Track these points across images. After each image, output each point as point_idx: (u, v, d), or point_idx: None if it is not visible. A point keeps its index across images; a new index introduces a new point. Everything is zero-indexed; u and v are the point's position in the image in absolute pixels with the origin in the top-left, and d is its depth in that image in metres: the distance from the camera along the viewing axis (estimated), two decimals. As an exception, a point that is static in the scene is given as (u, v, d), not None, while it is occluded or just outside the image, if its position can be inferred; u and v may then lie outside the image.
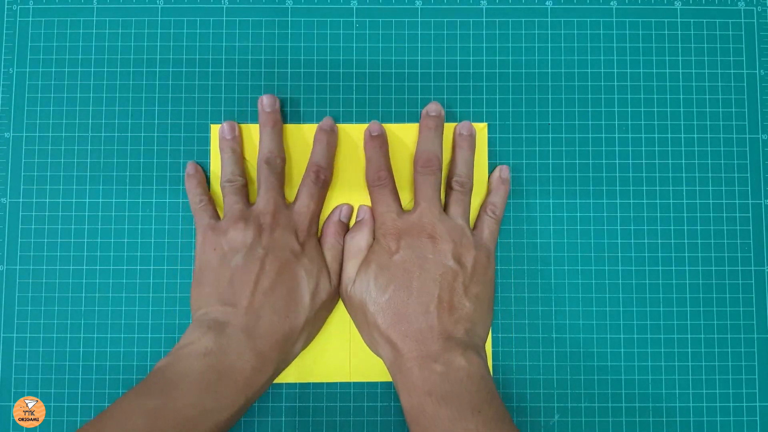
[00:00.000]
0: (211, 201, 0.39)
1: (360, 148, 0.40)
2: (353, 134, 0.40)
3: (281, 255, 0.35)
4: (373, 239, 0.37)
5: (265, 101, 0.39)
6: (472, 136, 0.39)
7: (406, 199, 0.39)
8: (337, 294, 0.38)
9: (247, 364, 0.33)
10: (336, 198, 0.40)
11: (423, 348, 0.33)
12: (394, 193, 0.38)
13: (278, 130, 0.39)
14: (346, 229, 0.39)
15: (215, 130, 0.40)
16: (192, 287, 0.36)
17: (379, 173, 0.38)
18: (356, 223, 0.39)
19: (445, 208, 0.38)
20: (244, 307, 0.34)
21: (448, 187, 0.38)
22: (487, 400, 0.32)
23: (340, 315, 0.39)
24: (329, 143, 0.39)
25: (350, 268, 0.37)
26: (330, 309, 0.38)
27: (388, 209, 0.37)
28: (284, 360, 0.35)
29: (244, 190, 0.38)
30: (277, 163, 0.38)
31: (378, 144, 0.39)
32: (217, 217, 0.38)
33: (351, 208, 0.39)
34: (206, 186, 0.40)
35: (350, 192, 0.40)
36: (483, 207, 0.39)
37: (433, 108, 0.39)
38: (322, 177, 0.38)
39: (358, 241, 0.37)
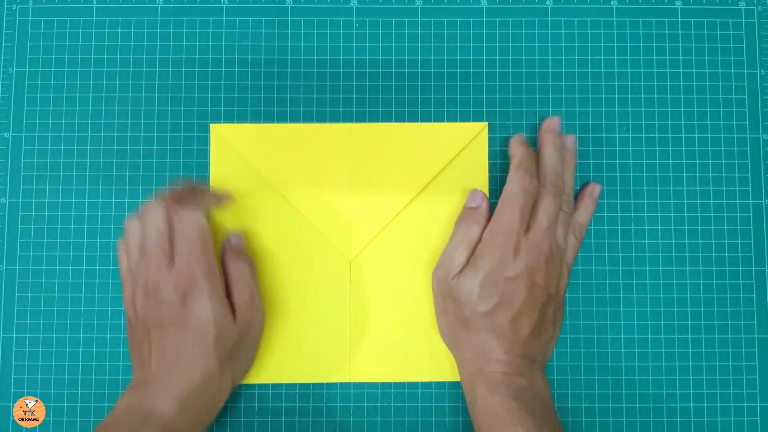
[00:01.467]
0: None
1: (349, 148, 0.40)
2: (337, 134, 0.40)
3: (167, 314, 0.34)
4: (483, 235, 0.36)
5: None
6: (575, 152, 0.39)
7: (400, 203, 0.39)
8: (249, 323, 0.36)
9: (163, 413, 0.33)
10: (330, 195, 0.40)
11: (509, 359, 0.34)
12: (529, 208, 0.36)
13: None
14: (243, 248, 0.38)
15: (215, 129, 0.40)
16: None
17: (533, 181, 0.36)
18: (470, 210, 0.38)
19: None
20: (152, 369, 0.34)
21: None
22: (556, 421, 0.34)
23: (340, 315, 0.39)
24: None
25: (458, 257, 0.36)
26: (250, 339, 0.37)
27: (518, 221, 0.35)
28: (211, 401, 0.35)
29: (141, 245, 0.35)
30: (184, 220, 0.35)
31: (531, 151, 0.37)
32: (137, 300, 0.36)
33: (239, 238, 0.38)
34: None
35: (339, 189, 0.40)
36: (570, 226, 0.38)
37: (557, 122, 0.39)
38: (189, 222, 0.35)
39: (473, 231, 0.36)
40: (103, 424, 0.33)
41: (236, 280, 0.36)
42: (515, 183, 0.36)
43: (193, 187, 0.38)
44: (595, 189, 0.39)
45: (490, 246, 0.35)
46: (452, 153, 0.40)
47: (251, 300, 0.36)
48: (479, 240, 0.36)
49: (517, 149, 0.37)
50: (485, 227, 0.37)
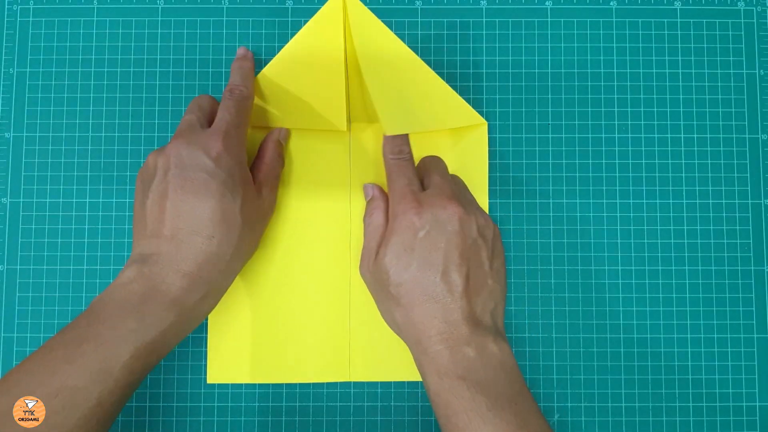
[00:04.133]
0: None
1: (344, 148, 0.40)
2: (337, 133, 0.40)
3: (192, 175, 0.33)
4: (388, 216, 0.36)
5: (239, 52, 0.40)
6: None
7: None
8: (270, 209, 0.38)
9: (172, 285, 0.32)
10: (330, 193, 0.40)
11: (452, 330, 0.31)
12: (414, 168, 0.37)
13: (248, 67, 0.39)
14: (282, 149, 0.39)
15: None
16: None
17: (402, 147, 0.37)
18: (369, 201, 0.38)
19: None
20: (165, 235, 0.32)
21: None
22: (520, 392, 0.31)
23: (340, 314, 0.39)
24: (242, 67, 0.38)
25: (373, 245, 0.35)
26: (264, 223, 0.38)
27: (409, 182, 0.35)
28: (220, 278, 0.34)
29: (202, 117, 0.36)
30: (239, 91, 0.37)
31: None
32: (175, 142, 0.35)
33: (288, 132, 0.40)
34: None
35: (340, 188, 0.40)
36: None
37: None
38: (237, 92, 0.37)
39: (376, 218, 0.36)
40: (100, 298, 0.32)
41: (266, 165, 0.38)
42: (391, 154, 0.37)
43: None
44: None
45: (393, 220, 0.34)
46: (452, 152, 0.40)
47: (272, 189, 0.37)
48: (386, 223, 0.36)
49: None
50: (386, 210, 0.36)
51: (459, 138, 0.40)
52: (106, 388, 0.29)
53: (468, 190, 0.39)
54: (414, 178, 0.36)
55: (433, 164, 0.38)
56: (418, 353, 0.33)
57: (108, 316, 0.31)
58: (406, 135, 0.38)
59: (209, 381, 0.39)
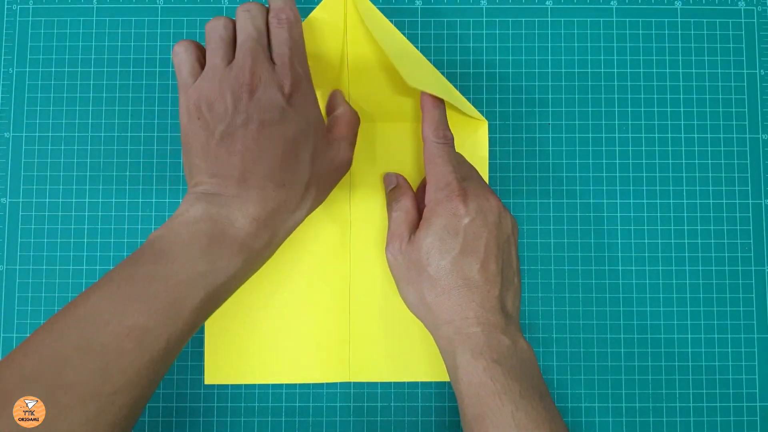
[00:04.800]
0: (198, 50, 0.34)
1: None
2: None
3: (266, 117, 0.31)
4: (420, 202, 0.36)
5: None
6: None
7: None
8: (344, 164, 0.36)
9: (240, 230, 0.31)
10: (327, 197, 0.40)
11: (489, 316, 0.32)
12: (457, 154, 0.36)
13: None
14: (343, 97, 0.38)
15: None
16: (183, 155, 0.34)
17: (445, 131, 0.36)
18: (394, 189, 0.38)
19: None
20: (235, 178, 0.31)
21: None
22: (546, 390, 0.32)
23: (340, 314, 0.39)
24: None
25: (404, 228, 0.35)
26: (336, 178, 0.36)
27: (454, 169, 0.34)
28: (284, 226, 0.33)
29: (230, 43, 0.34)
30: (254, 8, 0.34)
31: (441, 102, 0.37)
32: (198, 71, 0.33)
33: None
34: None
35: (340, 187, 0.40)
36: None
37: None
38: (284, 16, 0.34)
39: (405, 202, 0.36)
40: (161, 234, 0.30)
41: (343, 117, 0.36)
42: (435, 138, 0.35)
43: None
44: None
45: (437, 204, 0.34)
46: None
47: (350, 144, 0.36)
48: (415, 209, 0.36)
49: (428, 104, 0.36)
50: (413, 197, 0.37)
51: (459, 138, 0.40)
52: (175, 330, 0.29)
53: None
54: (458, 166, 0.35)
55: (463, 158, 0.37)
56: (451, 332, 0.32)
57: (176, 256, 0.30)
58: (447, 120, 0.37)
59: (206, 382, 0.39)
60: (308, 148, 0.32)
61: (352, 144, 0.36)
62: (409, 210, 0.36)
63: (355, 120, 0.37)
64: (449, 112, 0.37)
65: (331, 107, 0.37)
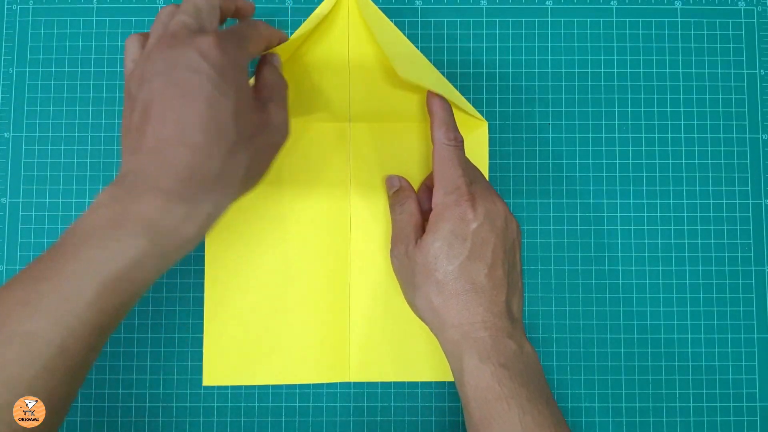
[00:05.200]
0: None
1: (344, 147, 0.40)
2: (338, 133, 0.40)
3: (179, 75, 0.28)
4: (425, 205, 0.36)
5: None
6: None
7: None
8: (279, 129, 0.32)
9: (148, 206, 0.27)
10: (330, 193, 0.40)
11: (496, 321, 0.32)
12: (466, 157, 0.36)
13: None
14: (279, 70, 0.34)
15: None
16: None
17: (456, 133, 0.35)
18: (397, 191, 0.38)
19: None
20: (148, 147, 0.28)
21: None
22: (550, 392, 0.32)
23: (340, 314, 0.39)
24: None
25: (409, 231, 0.35)
26: (271, 144, 0.32)
27: (463, 173, 0.34)
28: (208, 198, 0.29)
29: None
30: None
31: (448, 104, 0.36)
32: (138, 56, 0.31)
33: (280, 58, 0.35)
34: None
35: (340, 188, 0.40)
36: None
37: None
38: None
39: (409, 205, 0.36)
40: (70, 228, 0.28)
41: (267, 81, 0.33)
42: (445, 140, 0.35)
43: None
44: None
45: (445, 208, 0.34)
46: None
47: (280, 106, 0.32)
48: (419, 212, 0.36)
49: (437, 106, 0.36)
50: (417, 200, 0.37)
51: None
52: (70, 332, 0.26)
53: None
54: (467, 169, 0.35)
55: (469, 160, 0.37)
56: (458, 336, 0.32)
57: (70, 248, 0.27)
58: (455, 122, 0.36)
59: (205, 384, 0.39)
60: (228, 106, 0.28)
61: (283, 107, 0.32)
62: (414, 213, 0.36)
63: (281, 82, 0.33)
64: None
65: (257, 70, 0.34)
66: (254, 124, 0.30)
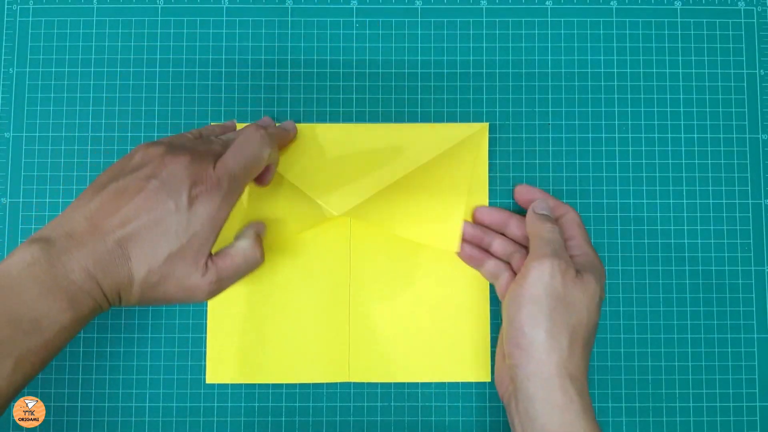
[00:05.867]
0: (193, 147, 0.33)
1: (349, 148, 0.40)
2: (338, 134, 0.40)
3: (164, 197, 0.29)
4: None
5: (287, 124, 0.39)
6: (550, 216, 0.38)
7: (400, 204, 0.39)
8: (197, 289, 0.31)
9: (75, 284, 0.28)
10: (329, 195, 0.40)
11: (584, 385, 0.33)
12: (559, 230, 0.36)
13: (277, 133, 0.37)
14: (260, 244, 0.35)
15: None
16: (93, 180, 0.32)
17: (548, 200, 0.38)
18: (543, 216, 0.37)
19: None
20: (100, 230, 0.29)
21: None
22: None
23: (340, 315, 0.39)
24: (281, 127, 0.38)
25: (566, 255, 0.35)
26: (180, 296, 0.31)
27: (558, 247, 0.35)
28: (113, 298, 0.30)
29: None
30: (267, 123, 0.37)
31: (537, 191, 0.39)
32: (174, 151, 0.32)
33: (263, 225, 0.37)
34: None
35: (340, 189, 0.40)
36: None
37: (541, 206, 0.37)
38: (260, 134, 0.34)
39: (557, 233, 0.36)
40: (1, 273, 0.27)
41: (235, 257, 0.33)
42: (536, 207, 0.37)
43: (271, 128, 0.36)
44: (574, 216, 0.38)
45: (539, 279, 0.33)
46: (453, 154, 0.40)
47: (222, 283, 0.32)
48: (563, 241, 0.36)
49: (536, 224, 0.36)
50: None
51: (459, 138, 0.40)
52: None
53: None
54: (561, 242, 0.35)
55: (579, 225, 0.37)
56: (555, 372, 0.32)
57: (4, 303, 0.27)
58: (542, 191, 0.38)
59: (208, 381, 0.39)
60: (171, 246, 0.30)
61: (225, 285, 0.32)
62: (562, 243, 0.35)
63: (243, 266, 0.33)
64: (446, 125, 0.39)
65: (239, 234, 0.35)
66: (178, 275, 0.30)
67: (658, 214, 0.41)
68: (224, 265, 0.32)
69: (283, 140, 0.38)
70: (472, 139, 0.40)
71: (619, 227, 0.40)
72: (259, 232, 0.36)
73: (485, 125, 0.40)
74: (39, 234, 0.29)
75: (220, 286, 0.32)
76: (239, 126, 0.40)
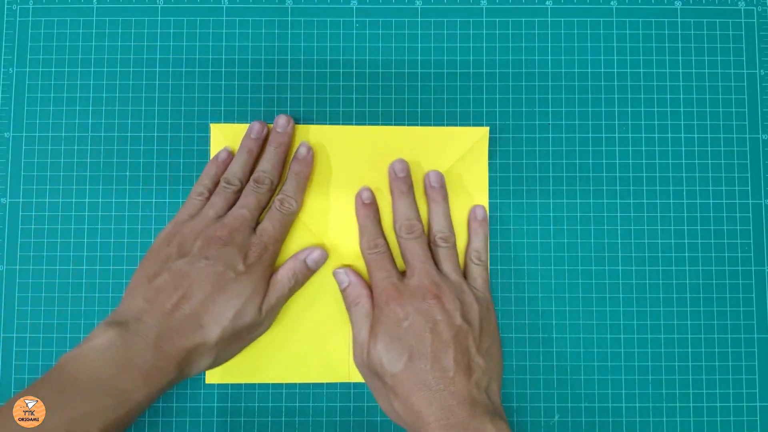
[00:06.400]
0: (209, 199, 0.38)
1: (349, 151, 0.40)
2: (338, 136, 0.40)
3: (222, 270, 0.34)
4: (374, 306, 0.37)
5: (279, 122, 0.39)
6: (443, 187, 0.39)
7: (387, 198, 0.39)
8: (260, 325, 0.36)
9: (148, 362, 0.32)
10: (328, 197, 0.40)
11: (450, 416, 0.32)
12: (391, 259, 0.38)
13: (282, 152, 0.39)
14: (306, 271, 0.38)
15: (215, 129, 0.40)
16: (136, 270, 0.36)
17: (376, 241, 0.38)
18: (347, 288, 0.38)
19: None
20: (166, 309, 0.33)
21: (433, 244, 0.38)
22: None
23: (340, 315, 0.39)
24: (299, 173, 0.38)
25: (363, 334, 0.36)
26: (248, 338, 0.37)
27: (388, 275, 0.36)
28: (187, 368, 0.34)
29: (233, 196, 0.38)
30: (265, 183, 0.38)
31: (371, 212, 0.39)
32: (197, 212, 0.37)
33: (323, 255, 0.38)
34: (218, 179, 0.39)
35: (339, 191, 0.40)
36: (467, 254, 0.39)
37: (400, 167, 0.38)
38: (287, 205, 0.37)
39: (363, 304, 0.37)
40: (73, 356, 0.31)
41: (279, 289, 0.37)
42: (362, 247, 0.38)
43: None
44: (478, 211, 0.39)
45: (379, 311, 0.35)
46: (453, 157, 0.40)
47: (274, 315, 0.37)
48: (373, 308, 0.36)
49: (358, 213, 0.39)
50: (370, 296, 0.37)
51: (459, 139, 0.40)
52: None
53: (456, 251, 0.38)
54: (392, 269, 0.37)
55: (413, 251, 0.37)
56: None
57: (81, 385, 0.30)
58: (378, 227, 0.38)
59: (208, 381, 0.39)
60: (236, 306, 0.34)
61: (275, 313, 0.38)
62: (368, 313, 0.36)
63: (289, 291, 0.37)
64: (447, 129, 0.39)
65: (282, 269, 0.38)
66: (251, 329, 0.36)
67: (659, 214, 0.41)
68: (275, 300, 0.37)
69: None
70: (472, 139, 0.40)
71: (619, 227, 0.40)
72: (304, 257, 0.38)
73: (486, 130, 0.40)
74: (111, 318, 0.33)
75: (273, 316, 0.37)
76: (239, 126, 0.40)
